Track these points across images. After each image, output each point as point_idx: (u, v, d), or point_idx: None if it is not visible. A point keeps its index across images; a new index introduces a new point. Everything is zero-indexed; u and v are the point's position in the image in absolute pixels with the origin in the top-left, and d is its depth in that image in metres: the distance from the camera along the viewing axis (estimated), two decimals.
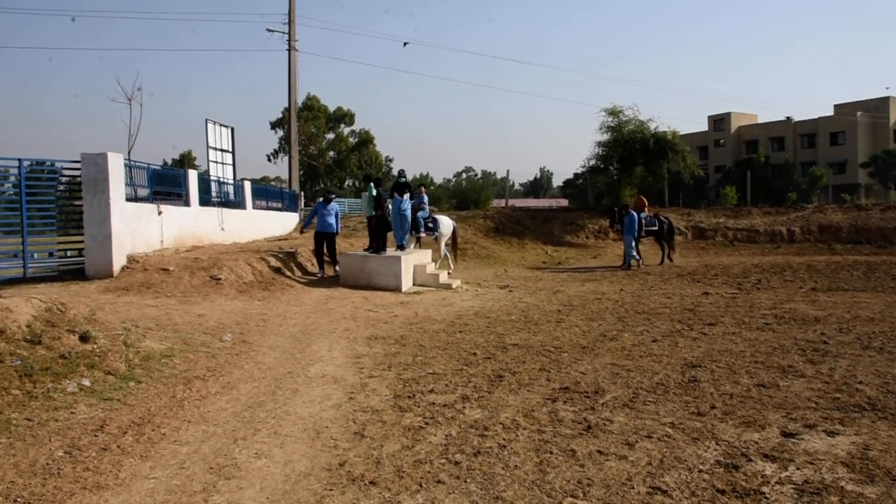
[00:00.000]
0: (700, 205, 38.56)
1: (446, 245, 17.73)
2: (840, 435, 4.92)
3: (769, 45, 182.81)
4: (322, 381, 6.77)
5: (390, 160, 76.22)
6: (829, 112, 67.92)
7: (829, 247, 25.71)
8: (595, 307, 11.86)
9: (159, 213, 14.73)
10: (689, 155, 31.80)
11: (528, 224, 28.19)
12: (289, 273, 14.64)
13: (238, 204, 20.52)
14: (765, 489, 4.01)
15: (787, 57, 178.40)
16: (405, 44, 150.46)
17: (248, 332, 9.22)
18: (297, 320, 10.39)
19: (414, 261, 15.38)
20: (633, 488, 4.06)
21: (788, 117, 70.10)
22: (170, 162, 68.89)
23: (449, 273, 16.69)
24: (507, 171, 40.45)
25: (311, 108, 63.63)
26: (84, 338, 6.66)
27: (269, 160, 70.94)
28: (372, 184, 16.07)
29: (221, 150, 20.31)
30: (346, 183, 67.19)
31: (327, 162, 66.31)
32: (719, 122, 74.47)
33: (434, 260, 16.74)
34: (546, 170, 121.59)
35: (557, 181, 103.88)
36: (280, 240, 20.33)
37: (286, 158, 36.14)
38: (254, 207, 22.10)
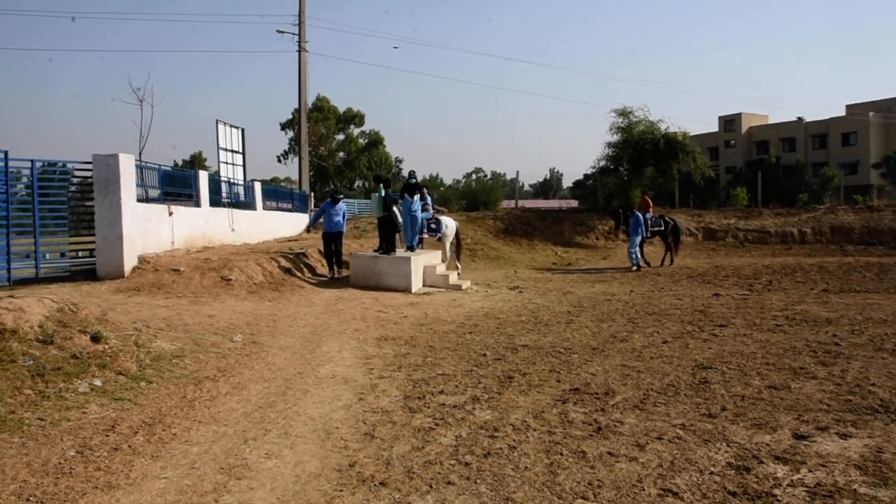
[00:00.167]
0: (710, 206, 38.40)
1: (451, 245, 17.69)
2: (853, 437, 4.89)
3: (780, 45, 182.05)
4: (332, 382, 6.77)
5: (400, 161, 76.41)
6: (841, 112, 67.54)
7: (841, 248, 25.56)
8: (605, 308, 11.83)
9: (170, 213, 14.80)
10: (700, 156, 31.74)
11: (538, 225, 28.18)
12: (299, 274, 14.67)
13: (248, 205, 20.58)
14: (776, 492, 3.99)
15: (798, 57, 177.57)
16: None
17: (259, 332, 9.24)
18: (308, 321, 10.41)
19: (424, 262, 15.38)
20: (644, 490, 4.05)
21: (800, 118, 69.72)
22: (180, 163, 69.22)
23: (458, 273, 16.67)
24: (517, 171, 40.63)
25: (322, 109, 63.77)
26: (95, 338, 6.69)
27: (280, 161, 71.07)
28: (381, 185, 16.08)
29: (232, 151, 20.37)
30: (356, 184, 67.30)
31: (337, 163, 66.40)
32: (730, 122, 74.13)
33: (441, 261, 16.73)
34: (556, 171, 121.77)
35: (567, 182, 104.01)
36: (290, 240, 20.39)
37: (296, 159, 36.22)
38: (264, 208, 22.17)
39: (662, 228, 21.30)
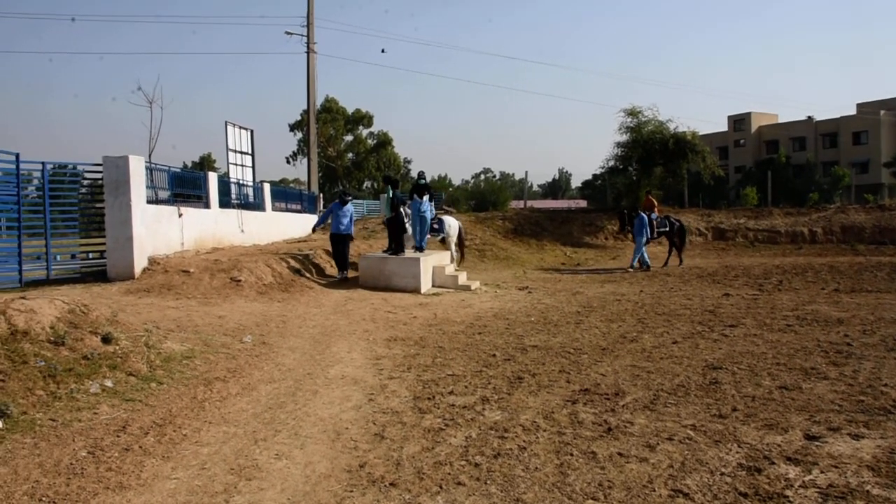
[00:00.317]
0: (720, 205, 38.20)
1: (455, 246, 17.66)
2: (865, 438, 4.85)
3: (790, 44, 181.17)
4: (342, 383, 6.78)
5: (409, 162, 76.44)
6: (852, 111, 67.15)
7: (852, 247, 25.41)
8: (615, 308, 11.80)
9: (180, 215, 14.85)
10: (709, 155, 31.64)
11: (547, 225, 28.14)
12: (308, 274, 14.70)
13: (257, 206, 20.63)
14: (788, 493, 3.97)
15: (808, 56, 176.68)
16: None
17: (268, 333, 9.26)
18: (317, 322, 10.42)
19: (433, 262, 15.38)
20: (655, 491, 4.03)
21: (810, 117, 69.43)
22: (189, 164, 69.48)
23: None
24: (526, 172, 40.63)
25: (330, 110, 63.85)
26: (106, 339, 6.72)
27: (288, 162, 71.25)
28: (389, 185, 16.08)
29: (241, 153, 20.41)
30: (365, 185, 67.39)
31: (346, 164, 66.51)
32: (739, 122, 73.85)
33: (450, 262, 16.72)
34: (565, 171, 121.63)
35: (576, 182, 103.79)
36: (299, 241, 20.43)
37: (305, 160, 36.34)
38: (273, 209, 22.23)
39: (667, 229, 21.22)
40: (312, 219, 25.91)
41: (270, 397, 6.23)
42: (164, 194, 14.91)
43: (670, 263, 20.96)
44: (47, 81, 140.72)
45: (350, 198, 16.51)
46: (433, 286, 15.00)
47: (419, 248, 15.79)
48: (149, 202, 13.67)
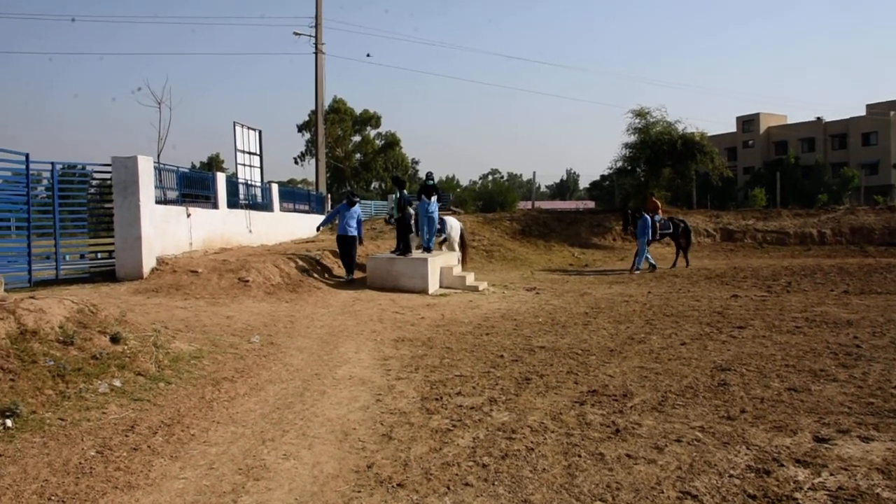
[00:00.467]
0: (728, 206, 38.07)
1: (458, 246, 17.64)
2: (875, 441, 4.82)
3: (799, 45, 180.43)
4: (349, 383, 6.79)
5: (416, 162, 76.53)
6: (861, 112, 66.79)
7: (862, 249, 25.30)
8: (622, 310, 11.78)
9: (188, 215, 14.90)
10: (718, 156, 31.55)
11: (555, 226, 28.12)
12: (316, 275, 14.72)
13: (265, 206, 20.68)
14: (797, 495, 3.95)
15: (817, 57, 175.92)
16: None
17: (276, 333, 9.28)
18: (325, 322, 10.43)
19: (440, 263, 15.38)
20: (663, 493, 4.02)
21: (819, 117, 69.00)
22: (198, 165, 69.66)
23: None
24: (534, 172, 40.56)
25: (338, 111, 64.02)
26: (115, 339, 6.75)
27: (296, 163, 71.44)
28: (397, 186, 16.09)
29: (249, 153, 20.46)
30: (373, 185, 67.48)
31: (354, 164, 66.63)
32: (748, 122, 73.54)
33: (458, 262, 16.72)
34: (573, 171, 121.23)
35: (584, 183, 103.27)
36: (307, 242, 20.47)
37: (313, 161, 36.38)
38: (281, 210, 22.27)
39: (671, 231, 21.16)
40: (320, 219, 25.97)
41: (278, 397, 6.24)
42: (172, 194, 14.95)
43: (678, 265, 20.91)
44: (48, 81, 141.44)
45: (358, 199, 16.45)
46: (441, 287, 15.00)
47: (427, 249, 15.79)
48: (157, 202, 13.70)
